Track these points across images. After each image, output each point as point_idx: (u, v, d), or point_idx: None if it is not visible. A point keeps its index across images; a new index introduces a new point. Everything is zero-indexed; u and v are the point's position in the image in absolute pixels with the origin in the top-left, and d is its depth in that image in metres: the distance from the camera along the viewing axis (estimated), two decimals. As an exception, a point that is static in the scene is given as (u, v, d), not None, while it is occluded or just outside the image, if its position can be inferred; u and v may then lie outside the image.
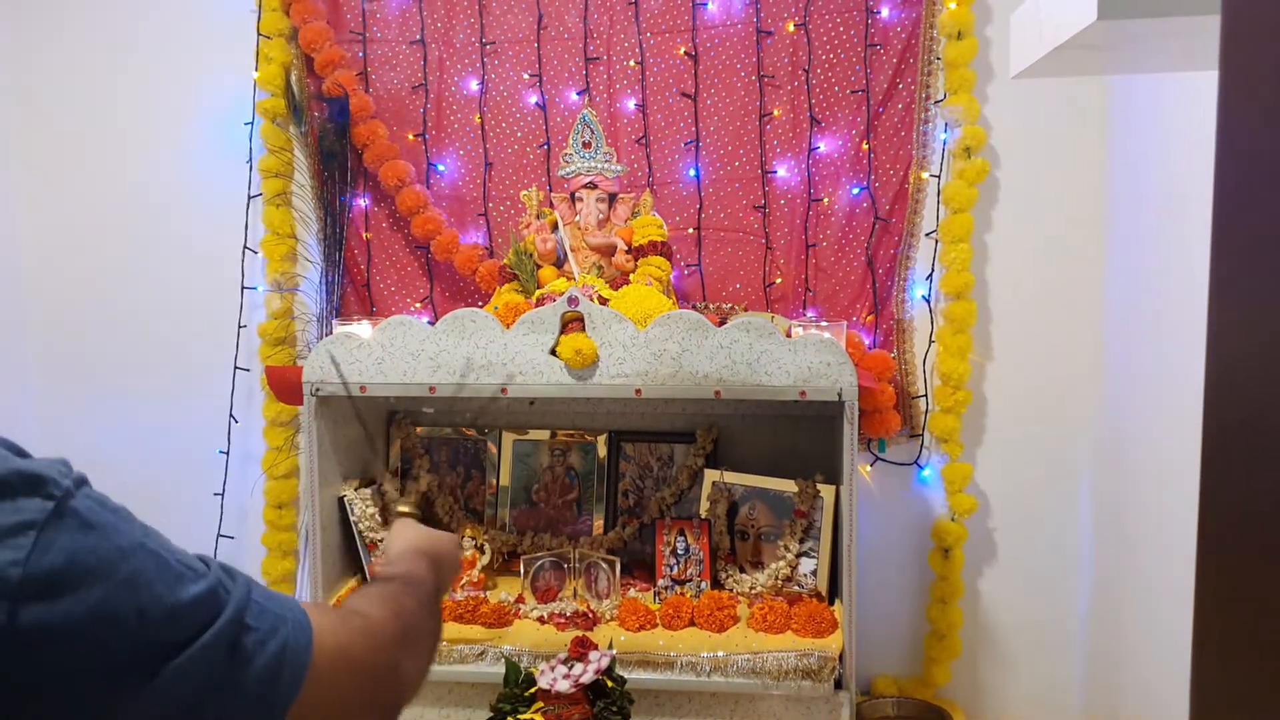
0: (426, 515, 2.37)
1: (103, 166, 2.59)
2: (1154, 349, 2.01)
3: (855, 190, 2.35)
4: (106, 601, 0.65)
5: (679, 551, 2.18)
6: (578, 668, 1.81)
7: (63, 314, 2.62)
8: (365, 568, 2.19)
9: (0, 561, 0.60)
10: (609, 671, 1.84)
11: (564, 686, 1.79)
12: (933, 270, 2.33)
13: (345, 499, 2.17)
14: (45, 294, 2.63)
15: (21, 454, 0.68)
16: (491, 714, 1.86)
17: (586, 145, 2.26)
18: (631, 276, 2.20)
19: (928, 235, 2.33)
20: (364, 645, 0.87)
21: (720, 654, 1.97)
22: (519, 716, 1.81)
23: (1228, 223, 0.68)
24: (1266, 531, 0.65)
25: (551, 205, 2.31)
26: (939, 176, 2.31)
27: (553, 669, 1.83)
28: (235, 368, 2.49)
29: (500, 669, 1.93)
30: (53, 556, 0.63)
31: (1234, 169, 0.67)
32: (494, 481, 2.38)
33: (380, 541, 2.18)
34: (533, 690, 1.84)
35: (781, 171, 2.37)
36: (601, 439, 2.36)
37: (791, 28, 2.34)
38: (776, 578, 2.13)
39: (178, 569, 0.70)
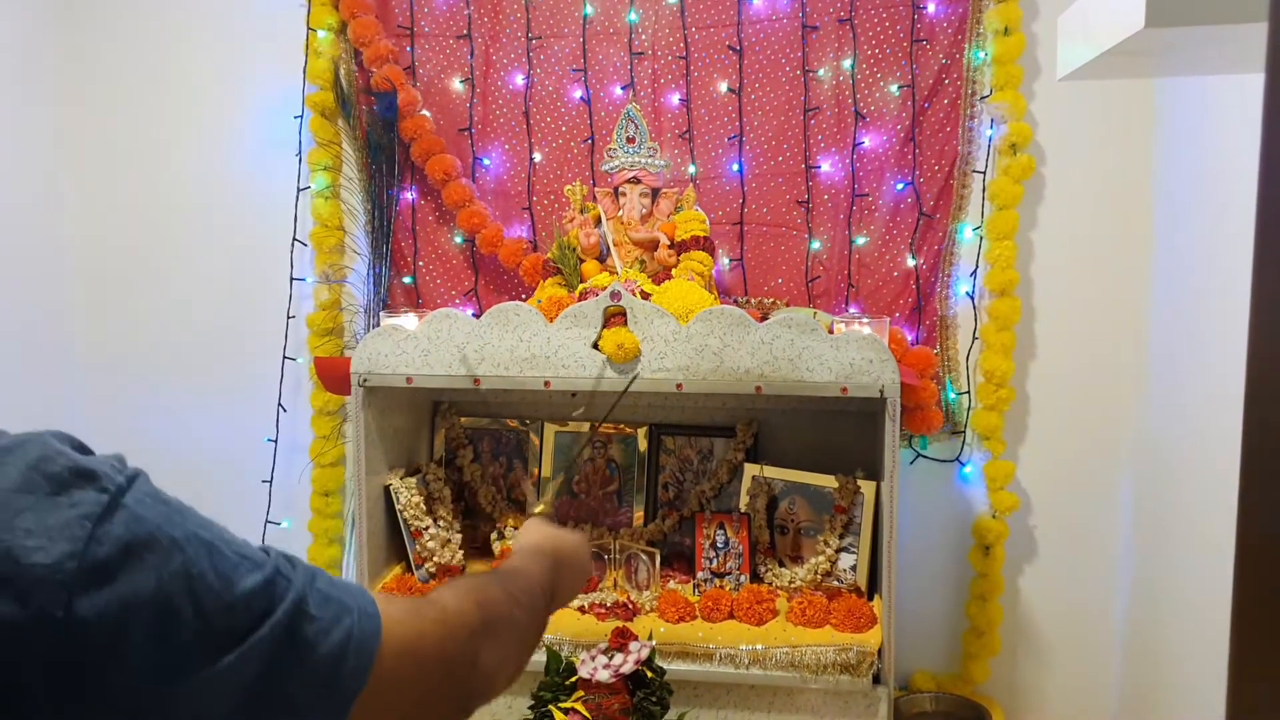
0: (469, 506, 2.41)
1: (155, 159, 2.64)
2: (1198, 348, 1.99)
3: (899, 186, 2.34)
4: (160, 590, 0.66)
5: (718, 545, 2.19)
6: (618, 658, 1.83)
7: (114, 304, 2.69)
8: (410, 555, 2.22)
9: (58, 554, 0.62)
10: (649, 662, 1.86)
11: (604, 676, 1.81)
12: (977, 267, 2.33)
13: (391, 488, 2.21)
14: (97, 284, 2.69)
15: (84, 450, 0.70)
16: (533, 702, 1.88)
17: (630, 140, 2.27)
18: (674, 271, 2.21)
19: (973, 231, 2.32)
20: (437, 635, 0.85)
21: (759, 647, 1.99)
22: (560, 705, 1.83)
23: (1271, 223, 0.68)
24: None
25: (595, 200, 2.33)
26: (984, 173, 2.30)
27: (593, 658, 1.85)
28: (284, 358, 2.54)
29: (541, 658, 1.96)
30: (107, 547, 0.64)
31: (1277, 171, 0.67)
32: (536, 472, 2.41)
33: (425, 529, 2.21)
34: (573, 679, 1.86)
35: (825, 166, 2.37)
36: (642, 432, 2.38)
37: (837, 22, 2.34)
38: (816, 573, 2.14)
39: (234, 560, 0.71)
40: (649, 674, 1.86)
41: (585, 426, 2.40)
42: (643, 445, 2.38)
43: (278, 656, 0.71)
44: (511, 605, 0.99)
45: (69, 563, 0.62)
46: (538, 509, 1.47)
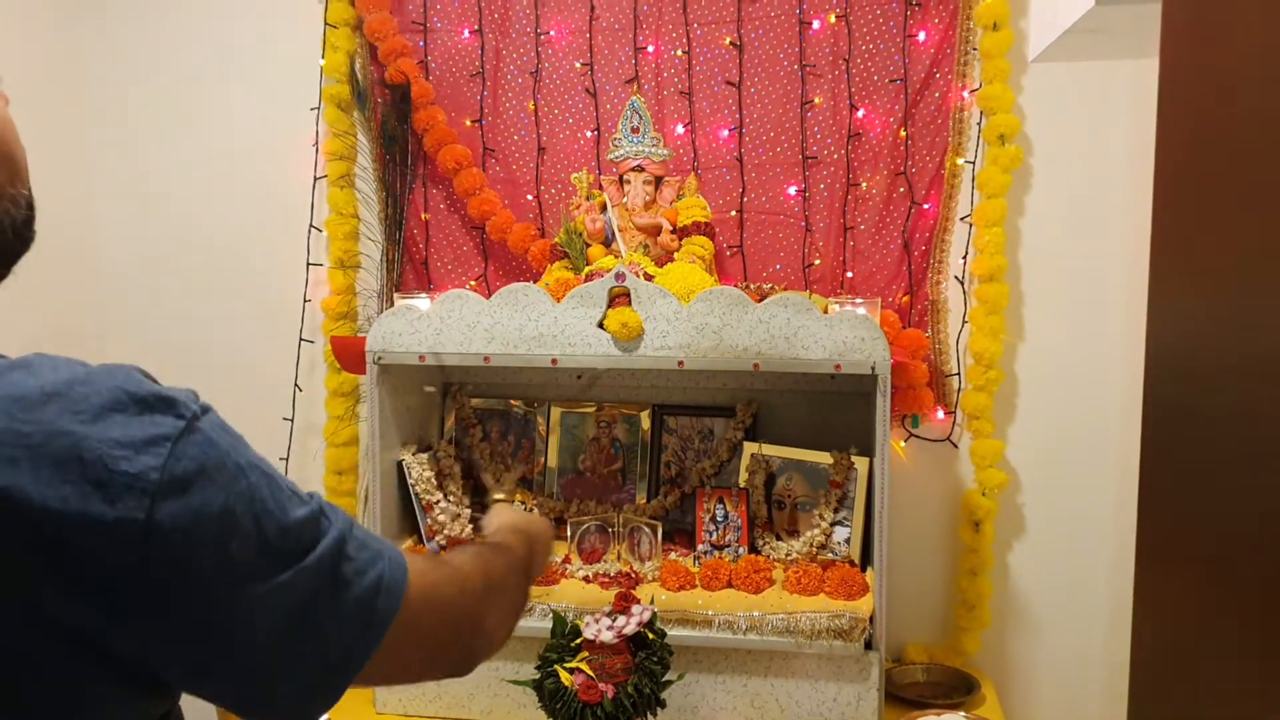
0: (478, 484, 2.49)
1: (176, 150, 2.74)
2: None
3: (892, 175, 2.44)
4: (228, 507, 0.76)
5: (718, 518, 2.28)
6: (621, 620, 1.92)
7: (139, 290, 2.78)
8: (422, 529, 2.32)
9: (142, 466, 0.72)
10: (650, 624, 1.95)
11: (608, 637, 1.90)
12: (966, 253, 2.42)
13: (403, 463, 2.30)
14: (122, 273, 2.78)
15: (154, 380, 0.79)
16: (539, 663, 1.97)
17: (635, 130, 2.37)
18: (676, 255, 2.30)
19: (962, 219, 2.41)
20: (452, 591, 0.95)
21: (756, 614, 2.07)
22: (565, 665, 1.92)
23: (1165, 219, 0.77)
24: (1199, 496, 0.73)
25: (601, 187, 2.43)
26: (974, 163, 2.39)
27: (597, 621, 1.93)
28: (300, 339, 2.63)
29: (547, 624, 2.04)
30: (185, 464, 0.74)
31: (1170, 169, 0.76)
32: (542, 462, 2.50)
33: (436, 503, 2.30)
34: (578, 641, 1.95)
35: (821, 157, 2.46)
36: (645, 413, 2.47)
37: (833, 19, 2.43)
38: (811, 545, 2.23)
39: (287, 491, 0.81)
40: (650, 635, 1.94)
41: (592, 408, 2.49)
42: (646, 425, 2.47)
43: (319, 588, 0.80)
44: (508, 573, 1.09)
45: (151, 474, 0.72)
46: (498, 496, 1.61)
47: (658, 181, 2.39)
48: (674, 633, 2.05)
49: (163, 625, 0.75)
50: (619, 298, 2.11)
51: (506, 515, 1.33)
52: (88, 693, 0.76)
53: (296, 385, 2.65)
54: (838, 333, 2.04)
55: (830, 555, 2.23)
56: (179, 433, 0.75)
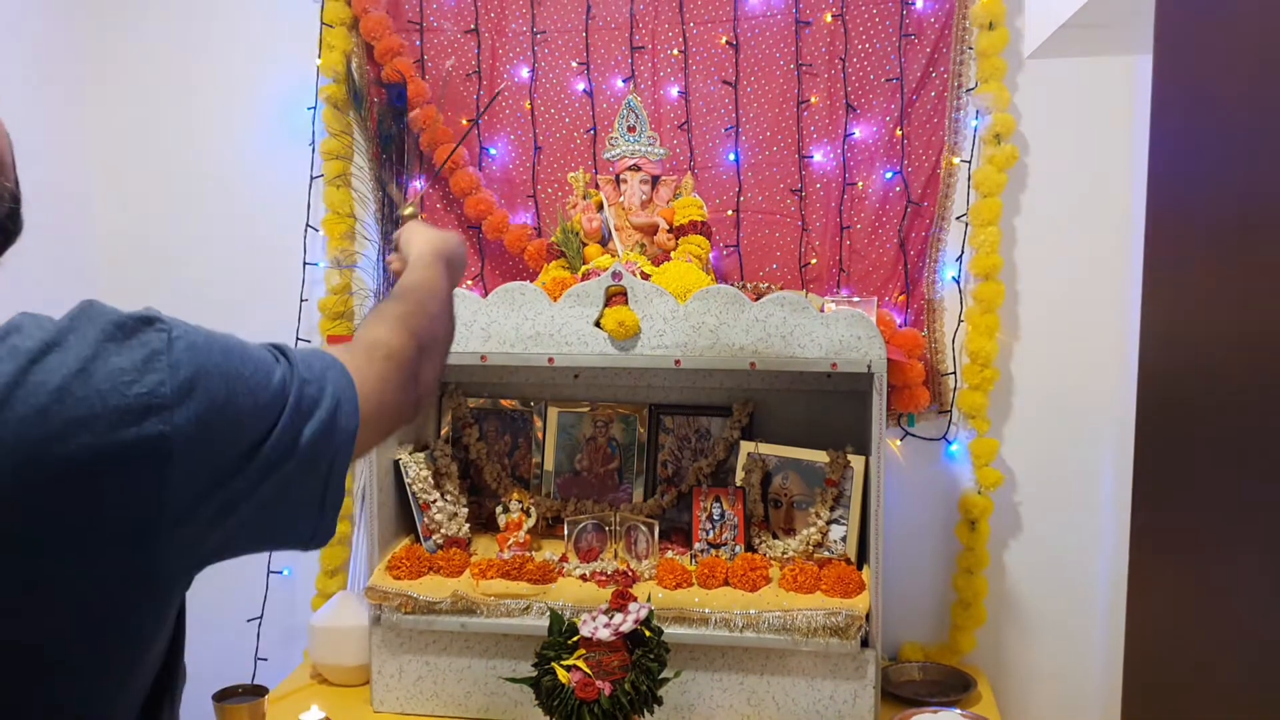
0: (475, 483, 2.50)
1: (175, 149, 2.74)
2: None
3: (889, 175, 2.44)
4: (229, 391, 0.83)
5: (715, 517, 2.28)
6: (618, 617, 1.92)
7: (136, 290, 2.76)
8: (419, 527, 2.32)
9: (151, 383, 0.77)
10: (647, 622, 1.95)
11: (605, 635, 1.90)
12: (962, 252, 2.42)
13: (400, 462, 2.30)
14: (120, 272, 2.78)
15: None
16: (536, 660, 1.97)
17: (631, 129, 2.37)
18: (673, 254, 2.31)
19: (958, 219, 2.42)
20: (392, 370, 1.05)
21: (752, 611, 2.08)
22: (562, 662, 1.92)
23: (1159, 215, 0.77)
24: (1192, 489, 0.74)
25: (597, 186, 2.43)
26: (970, 162, 2.40)
27: (594, 619, 1.94)
28: (297, 339, 2.63)
29: (544, 623, 2.05)
30: (184, 370, 0.80)
31: (1164, 165, 0.76)
32: (539, 451, 2.50)
33: (433, 502, 2.30)
34: (575, 639, 1.95)
35: (818, 156, 2.47)
36: (642, 412, 2.47)
37: (829, 18, 2.44)
38: (808, 543, 2.23)
39: (261, 360, 0.89)
40: (647, 633, 1.95)
41: (589, 407, 2.49)
42: (643, 425, 2.47)
43: (301, 422, 0.89)
44: (433, 323, 1.18)
45: (161, 389, 0.78)
46: (407, 211, 1.60)
47: (654, 180, 2.39)
48: (671, 630, 2.05)
49: (198, 517, 0.81)
50: (615, 297, 2.11)
51: (422, 237, 1.37)
52: (135, 625, 0.82)
53: (293, 384, 2.65)
54: (834, 331, 2.04)
55: (826, 553, 2.23)
56: (166, 344, 0.81)
